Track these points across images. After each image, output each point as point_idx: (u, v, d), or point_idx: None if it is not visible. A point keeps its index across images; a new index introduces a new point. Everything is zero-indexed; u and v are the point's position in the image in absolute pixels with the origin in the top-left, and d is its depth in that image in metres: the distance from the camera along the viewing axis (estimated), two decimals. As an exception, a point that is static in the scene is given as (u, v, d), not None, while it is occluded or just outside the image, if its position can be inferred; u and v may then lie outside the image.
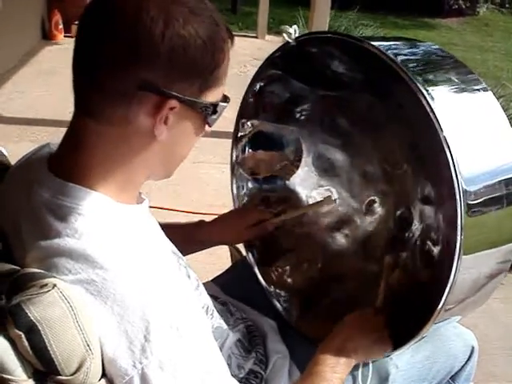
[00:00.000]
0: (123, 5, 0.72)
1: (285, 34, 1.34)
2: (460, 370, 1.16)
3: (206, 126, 0.81)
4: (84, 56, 0.75)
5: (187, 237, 1.19)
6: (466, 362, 1.16)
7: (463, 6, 9.50)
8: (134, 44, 0.70)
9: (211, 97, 0.77)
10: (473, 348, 1.17)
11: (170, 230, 0.92)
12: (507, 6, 10.32)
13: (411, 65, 0.94)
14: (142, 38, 0.70)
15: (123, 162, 0.77)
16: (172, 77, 0.72)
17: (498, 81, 4.27)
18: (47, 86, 4.21)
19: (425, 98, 0.87)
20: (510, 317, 2.30)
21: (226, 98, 0.81)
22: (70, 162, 0.77)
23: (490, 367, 1.93)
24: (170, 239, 0.91)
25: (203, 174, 3.15)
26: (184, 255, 0.96)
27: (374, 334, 0.99)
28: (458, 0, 9.42)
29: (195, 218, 2.30)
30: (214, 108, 0.78)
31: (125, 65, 0.71)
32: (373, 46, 0.94)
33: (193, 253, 1.22)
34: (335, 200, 1.33)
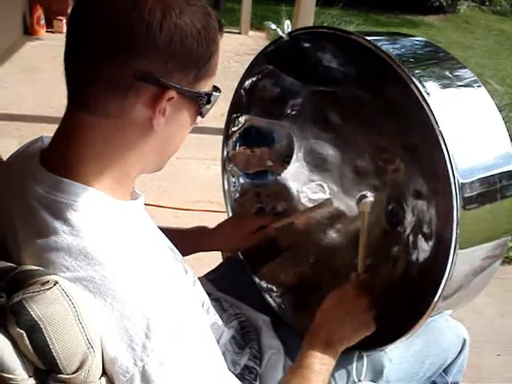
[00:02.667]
0: None
1: (279, 29, 1.32)
2: (452, 362, 1.17)
3: (198, 118, 0.81)
4: (77, 47, 0.73)
5: (187, 244, 1.12)
6: (458, 355, 1.17)
7: (444, 4, 9.57)
8: (131, 35, 0.69)
9: (204, 87, 0.78)
10: (464, 340, 1.18)
11: (169, 235, 0.91)
12: (487, 3, 10.42)
13: (406, 59, 0.94)
14: (140, 28, 0.69)
15: (118, 155, 0.76)
16: (170, 67, 0.72)
17: (480, 77, 4.31)
18: (29, 81, 4.16)
19: (420, 93, 0.87)
20: (493, 310, 2.33)
21: (216, 89, 0.81)
22: (65, 157, 0.75)
23: (476, 360, 1.94)
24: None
25: (188, 170, 3.13)
26: None
27: (359, 318, 0.98)
28: (439, -3, 9.49)
29: (179, 214, 2.27)
30: (208, 98, 0.78)
31: (121, 55, 0.70)
32: (367, 40, 0.94)
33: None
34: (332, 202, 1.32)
